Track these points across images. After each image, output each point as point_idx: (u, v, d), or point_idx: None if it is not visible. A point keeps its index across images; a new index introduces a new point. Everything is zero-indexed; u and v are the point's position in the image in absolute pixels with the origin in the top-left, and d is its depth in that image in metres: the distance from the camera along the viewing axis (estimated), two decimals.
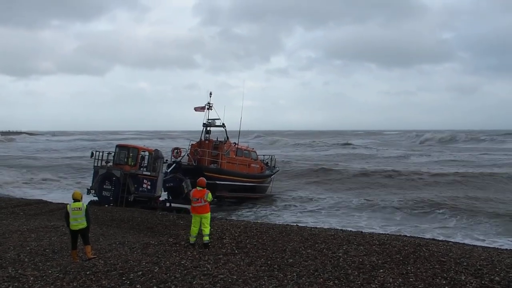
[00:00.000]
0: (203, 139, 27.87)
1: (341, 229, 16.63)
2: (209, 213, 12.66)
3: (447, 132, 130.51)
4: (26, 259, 11.31)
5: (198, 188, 12.71)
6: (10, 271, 10.21)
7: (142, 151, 23.27)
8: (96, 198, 22.09)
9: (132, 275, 9.87)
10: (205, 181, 13.10)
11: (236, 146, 28.93)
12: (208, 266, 10.61)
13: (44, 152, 78.69)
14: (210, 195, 12.64)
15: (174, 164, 25.57)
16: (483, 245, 16.31)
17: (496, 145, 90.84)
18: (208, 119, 27.86)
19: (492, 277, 9.63)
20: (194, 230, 12.49)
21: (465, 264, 10.55)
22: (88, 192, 22.06)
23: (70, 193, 12.20)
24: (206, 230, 12.39)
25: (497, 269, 10.15)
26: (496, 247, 15.75)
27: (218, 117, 28.04)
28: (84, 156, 59.05)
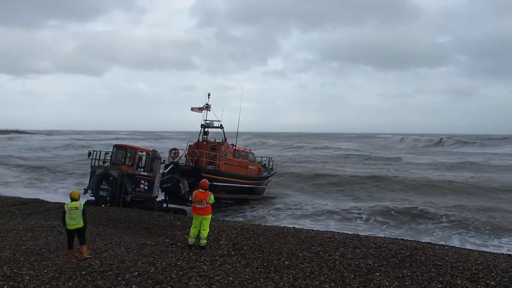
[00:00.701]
0: (201, 140, 27.85)
1: (338, 232, 16.66)
2: (210, 215, 12.68)
3: (441, 135, 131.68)
4: (21, 258, 11.27)
5: (201, 190, 12.70)
6: (5, 270, 10.17)
7: (140, 152, 23.24)
8: (93, 198, 22.04)
9: (128, 275, 9.87)
10: (208, 183, 13.11)
11: (234, 147, 28.92)
12: (204, 267, 10.61)
13: (38, 151, 78.47)
14: (212, 197, 12.66)
15: (171, 165, 25.55)
16: (478, 249, 16.34)
17: (482, 149, 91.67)
18: (205, 120, 27.84)
19: (488, 281, 9.65)
20: (194, 231, 12.47)
21: (461, 268, 10.57)
22: (85, 192, 21.99)
23: (67, 193, 12.19)
24: (205, 232, 12.38)
25: (493, 274, 10.18)
26: (492, 251, 15.80)
27: (216, 119, 28.06)
28: (74, 155, 59.07)
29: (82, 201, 12.87)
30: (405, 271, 10.31)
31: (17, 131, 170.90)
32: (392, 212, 25.28)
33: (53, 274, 9.90)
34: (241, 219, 23.46)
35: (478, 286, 9.37)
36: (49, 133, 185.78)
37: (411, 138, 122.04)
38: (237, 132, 29.29)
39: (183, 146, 28.82)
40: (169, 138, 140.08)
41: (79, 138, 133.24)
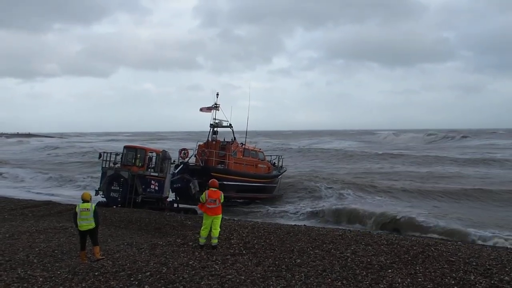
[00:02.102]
0: (210, 139, 27.89)
1: (349, 229, 16.58)
2: (221, 214, 12.70)
3: (447, 131, 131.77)
4: (35, 260, 11.39)
5: (213, 189, 12.72)
6: (19, 272, 10.28)
7: (150, 152, 23.33)
8: (104, 199, 22.17)
9: (140, 275, 9.92)
10: (217, 182, 13.16)
11: (243, 146, 28.91)
12: (216, 266, 10.63)
13: (46, 153, 79.06)
14: (223, 196, 12.70)
15: (181, 165, 25.61)
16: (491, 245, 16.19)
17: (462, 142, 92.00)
18: (214, 120, 27.84)
19: (502, 277, 9.55)
20: (204, 232, 12.46)
21: (474, 264, 10.47)
22: (96, 193, 22.14)
23: (79, 194, 12.30)
24: (216, 232, 12.38)
25: (507, 269, 10.06)
26: (507, 246, 15.64)
27: (225, 118, 28.08)
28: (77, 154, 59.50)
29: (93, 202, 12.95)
30: (417, 268, 10.25)
31: (28, 134, 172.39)
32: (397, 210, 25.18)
33: (66, 275, 9.99)
34: (251, 218, 23.45)
35: (492, 282, 9.28)
36: (60, 136, 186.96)
37: (408, 134, 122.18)
38: (246, 131, 29.28)
39: (177, 147, 28.87)
40: (167, 138, 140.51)
41: (81, 141, 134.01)
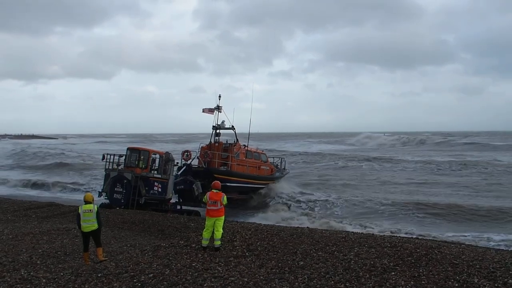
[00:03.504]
0: (213, 141, 27.91)
1: (352, 232, 16.55)
2: (224, 216, 12.68)
3: (449, 133, 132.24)
4: (38, 261, 11.41)
5: (214, 191, 12.72)
6: (22, 273, 10.31)
7: (153, 154, 23.36)
8: (107, 201, 22.20)
9: (143, 277, 9.92)
10: (220, 184, 13.15)
11: (246, 148, 28.93)
12: (219, 268, 10.63)
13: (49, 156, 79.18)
14: (226, 198, 12.68)
15: (184, 167, 25.64)
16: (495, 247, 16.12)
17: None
18: (217, 122, 27.88)
19: (506, 279, 9.49)
20: (207, 233, 12.46)
21: (478, 266, 10.42)
22: (100, 195, 22.18)
23: (82, 196, 12.32)
24: (218, 233, 12.38)
25: (511, 272, 10.01)
26: (511, 249, 15.57)
27: (228, 120, 28.10)
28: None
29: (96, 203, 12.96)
30: (421, 270, 10.21)
31: (32, 136, 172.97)
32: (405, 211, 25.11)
33: (69, 276, 10.01)
34: (254, 220, 23.43)
35: (496, 285, 9.23)
36: (64, 137, 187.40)
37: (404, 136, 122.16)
38: (249, 133, 29.30)
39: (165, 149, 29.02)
40: (158, 140, 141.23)
41: (73, 143, 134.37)
